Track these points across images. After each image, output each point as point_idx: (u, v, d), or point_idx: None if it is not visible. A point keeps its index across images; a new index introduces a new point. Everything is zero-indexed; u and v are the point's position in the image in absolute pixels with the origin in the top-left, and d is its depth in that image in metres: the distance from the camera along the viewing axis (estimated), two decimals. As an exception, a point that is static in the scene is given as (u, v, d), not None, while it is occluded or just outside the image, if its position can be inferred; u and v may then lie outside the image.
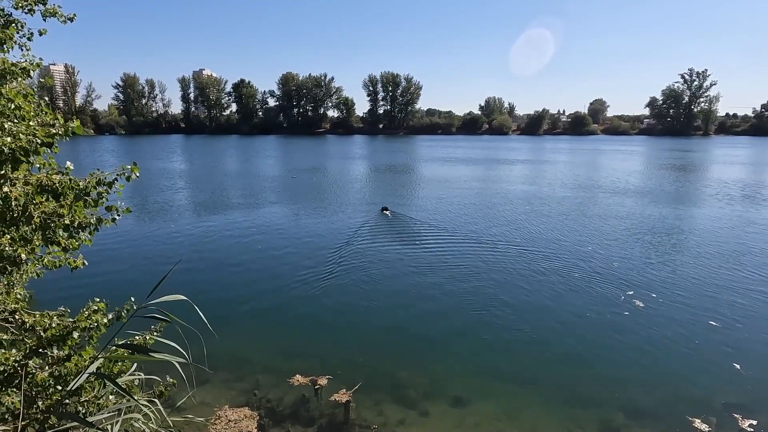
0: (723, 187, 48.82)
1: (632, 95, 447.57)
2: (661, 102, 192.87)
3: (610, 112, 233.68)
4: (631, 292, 18.90)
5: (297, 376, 12.97)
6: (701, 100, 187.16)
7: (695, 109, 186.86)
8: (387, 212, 36.73)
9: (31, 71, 5.47)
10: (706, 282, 20.24)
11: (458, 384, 12.93)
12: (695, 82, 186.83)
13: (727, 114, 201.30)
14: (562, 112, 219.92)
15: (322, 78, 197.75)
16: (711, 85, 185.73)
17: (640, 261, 23.19)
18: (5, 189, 4.86)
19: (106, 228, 5.75)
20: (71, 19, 7.05)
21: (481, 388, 12.80)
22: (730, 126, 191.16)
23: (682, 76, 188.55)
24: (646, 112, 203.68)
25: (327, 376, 12.93)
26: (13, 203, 4.85)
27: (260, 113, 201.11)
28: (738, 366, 13.60)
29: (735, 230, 29.98)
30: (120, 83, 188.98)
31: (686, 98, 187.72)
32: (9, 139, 4.74)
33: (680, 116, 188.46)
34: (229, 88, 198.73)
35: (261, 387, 12.72)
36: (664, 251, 25.17)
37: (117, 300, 6.12)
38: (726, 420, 11.41)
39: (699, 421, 11.31)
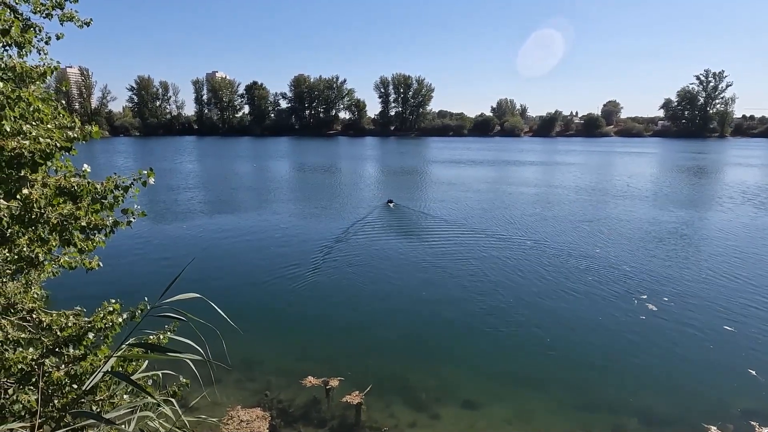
0: (739, 191, 48.09)
1: (646, 97, 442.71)
2: (675, 103, 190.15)
3: (623, 114, 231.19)
4: (644, 296, 18.70)
5: (309, 377, 13.03)
6: (717, 101, 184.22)
7: (711, 111, 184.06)
8: (391, 204, 38.76)
9: (48, 75, 5.56)
10: (720, 287, 19.95)
11: (469, 387, 12.89)
12: (711, 84, 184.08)
13: (743, 116, 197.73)
14: (574, 113, 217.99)
15: (334, 80, 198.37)
16: (727, 86, 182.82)
17: (653, 265, 22.93)
18: (24, 191, 4.95)
19: (120, 228, 5.82)
20: (87, 24, 7.17)
21: (493, 391, 12.75)
22: (747, 128, 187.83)
23: (698, 77, 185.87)
24: (661, 113, 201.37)
25: (338, 378, 12.97)
26: (34, 205, 4.94)
27: (272, 115, 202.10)
28: (753, 372, 13.39)
29: (751, 234, 29.52)
30: (134, 85, 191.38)
31: (702, 100, 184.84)
32: (28, 142, 4.82)
33: (695, 118, 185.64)
34: (241, 90, 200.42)
35: (273, 388, 12.79)
36: (678, 255, 24.87)
37: (131, 299, 6.21)
38: (743, 427, 11.23)
39: (715, 428, 11.16)
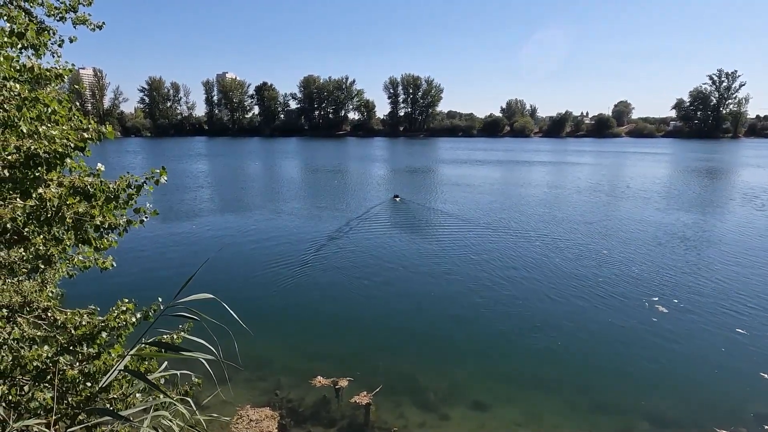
0: (751, 192, 47.49)
1: (658, 97, 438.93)
2: (688, 104, 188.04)
3: (635, 114, 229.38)
4: (655, 299, 18.53)
5: (318, 377, 13.07)
6: (730, 101, 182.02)
7: (724, 111, 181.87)
8: (397, 199, 40.39)
9: (65, 76, 5.63)
10: (731, 289, 19.70)
11: (479, 388, 12.86)
12: (724, 83, 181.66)
13: (757, 116, 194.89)
14: (585, 114, 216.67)
15: (343, 80, 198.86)
16: (740, 86, 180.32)
17: (664, 267, 22.71)
18: (40, 190, 5.02)
19: (133, 228, 5.90)
20: (100, 27, 7.28)
21: (502, 393, 12.70)
22: (761, 128, 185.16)
23: (711, 77, 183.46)
24: (673, 114, 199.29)
25: (348, 378, 12.99)
26: (48, 204, 5.01)
27: (282, 116, 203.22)
28: (766, 376, 13.22)
29: (763, 237, 29.13)
30: (146, 86, 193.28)
31: (714, 100, 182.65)
32: (45, 142, 4.89)
33: (708, 118, 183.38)
34: (251, 90, 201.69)
35: (282, 387, 12.84)
36: (689, 258, 24.61)
37: (143, 299, 6.27)
38: None
39: (727, 432, 11.04)
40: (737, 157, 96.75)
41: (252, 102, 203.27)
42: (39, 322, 5.91)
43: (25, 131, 4.93)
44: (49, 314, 5.93)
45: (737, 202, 42.00)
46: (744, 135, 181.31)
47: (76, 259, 6.66)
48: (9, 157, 4.75)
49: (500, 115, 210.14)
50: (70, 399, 5.58)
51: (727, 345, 15.02)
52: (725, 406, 12.05)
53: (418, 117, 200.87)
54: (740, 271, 22.10)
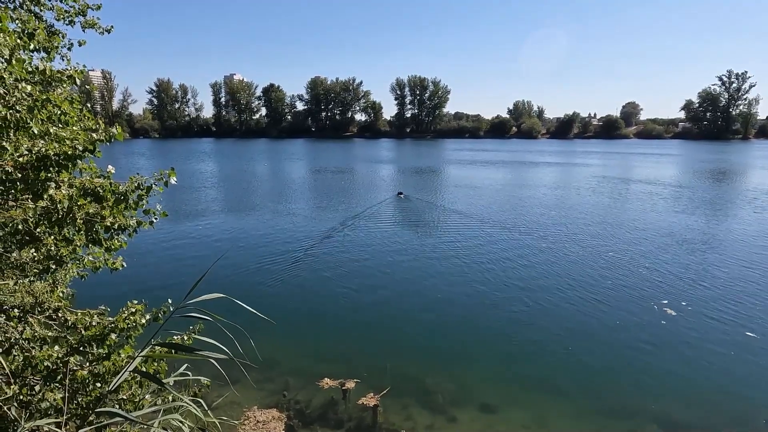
0: (762, 195, 47.01)
1: (667, 98, 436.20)
2: (697, 105, 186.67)
3: (643, 116, 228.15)
4: (664, 301, 18.37)
5: (326, 378, 13.05)
6: (740, 102, 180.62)
7: (734, 112, 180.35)
8: (402, 195, 42.71)
9: (77, 78, 5.67)
10: (741, 292, 19.50)
11: (487, 390, 12.80)
12: (734, 84, 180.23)
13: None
14: (593, 115, 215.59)
15: (350, 82, 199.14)
16: (750, 87, 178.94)
17: (673, 269, 22.51)
18: (51, 191, 5.05)
19: (142, 229, 5.92)
20: (108, 31, 7.32)
21: (510, 396, 12.64)
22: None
23: (720, 78, 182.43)
24: (682, 115, 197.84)
25: (355, 380, 12.97)
26: (59, 205, 5.03)
27: (289, 117, 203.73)
28: (780, 380, 13.07)
29: (776, 238, 28.82)
30: (154, 88, 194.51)
31: (724, 101, 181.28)
32: (56, 144, 4.92)
33: (718, 120, 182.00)
34: (258, 92, 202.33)
35: (290, 388, 12.84)
36: (699, 260, 24.38)
37: (153, 299, 6.29)
38: (768, 436, 10.96)
39: (738, 436, 10.91)
40: (749, 159, 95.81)
41: (259, 103, 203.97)
42: (50, 322, 5.94)
43: (36, 132, 4.96)
44: (60, 314, 5.95)
45: (748, 204, 41.58)
46: (754, 136, 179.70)
47: (86, 260, 6.69)
48: (21, 159, 4.78)
49: (507, 116, 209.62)
50: (80, 399, 5.59)
51: (737, 348, 14.85)
52: (735, 410, 11.91)
53: (425, 118, 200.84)
54: (750, 273, 21.87)
